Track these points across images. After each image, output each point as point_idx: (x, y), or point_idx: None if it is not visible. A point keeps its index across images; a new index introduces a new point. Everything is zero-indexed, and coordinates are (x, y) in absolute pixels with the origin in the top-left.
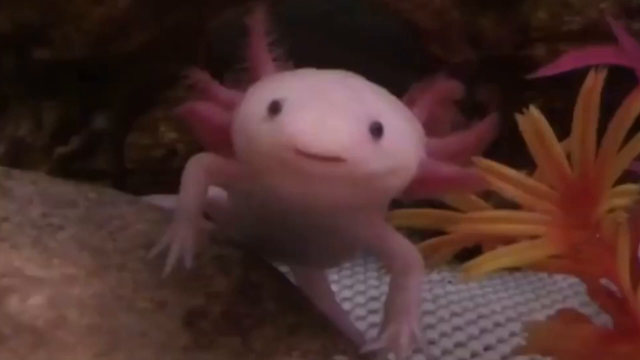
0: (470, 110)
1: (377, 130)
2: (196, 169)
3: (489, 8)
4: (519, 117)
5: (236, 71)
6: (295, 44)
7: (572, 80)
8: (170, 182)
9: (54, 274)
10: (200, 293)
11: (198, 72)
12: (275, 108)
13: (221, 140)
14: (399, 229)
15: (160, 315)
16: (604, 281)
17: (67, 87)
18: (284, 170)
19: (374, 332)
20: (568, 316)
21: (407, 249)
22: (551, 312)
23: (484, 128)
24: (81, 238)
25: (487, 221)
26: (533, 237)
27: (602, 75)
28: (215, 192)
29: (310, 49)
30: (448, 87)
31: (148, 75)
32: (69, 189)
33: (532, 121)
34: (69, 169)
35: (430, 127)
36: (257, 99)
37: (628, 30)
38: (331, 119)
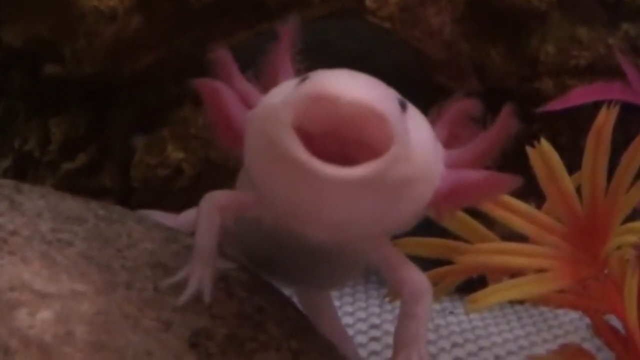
0: None
1: (403, 106)
2: (208, 208)
3: (498, 40)
4: (529, 150)
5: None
6: (303, 69)
7: (578, 115)
8: (174, 202)
9: (63, 289)
10: (205, 314)
11: (224, 52)
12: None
13: (229, 133)
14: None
15: (166, 334)
16: (606, 317)
17: (76, 103)
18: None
19: None
20: (571, 351)
21: (417, 277)
22: (552, 346)
23: (502, 122)
24: (89, 254)
25: (494, 253)
26: (540, 270)
27: (614, 111)
28: None
29: None
30: (465, 105)
31: (156, 94)
32: (78, 205)
33: (543, 154)
34: (74, 186)
35: (452, 147)
36: (279, 88)
37: (635, 66)
38: (361, 80)
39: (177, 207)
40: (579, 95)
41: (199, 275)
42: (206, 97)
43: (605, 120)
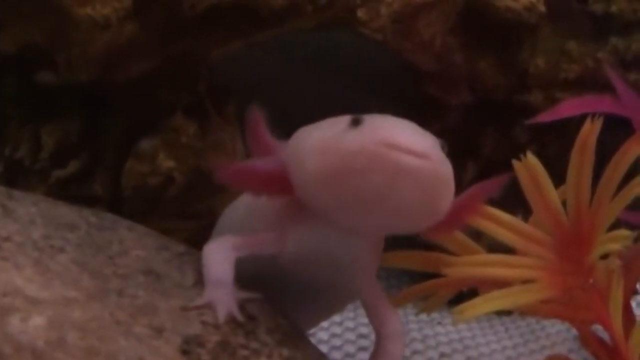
0: (463, 152)
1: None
2: (221, 246)
3: (489, 53)
4: (515, 163)
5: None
6: (294, 80)
7: (566, 127)
8: (165, 211)
9: (55, 295)
10: (196, 321)
11: (257, 112)
12: (356, 122)
13: (272, 183)
14: (392, 270)
15: (158, 341)
16: (593, 327)
17: (68, 111)
18: (374, 165)
19: None
20: None
21: (397, 318)
22: (539, 357)
23: (490, 186)
24: (81, 261)
25: (480, 265)
26: (527, 281)
27: (599, 123)
28: None
29: (308, 86)
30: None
31: (149, 102)
32: (70, 212)
33: (529, 167)
34: (65, 193)
35: None
36: (325, 124)
37: (624, 80)
38: (412, 129)
39: (168, 215)
40: (568, 107)
41: (226, 305)
42: (235, 178)
43: (590, 132)
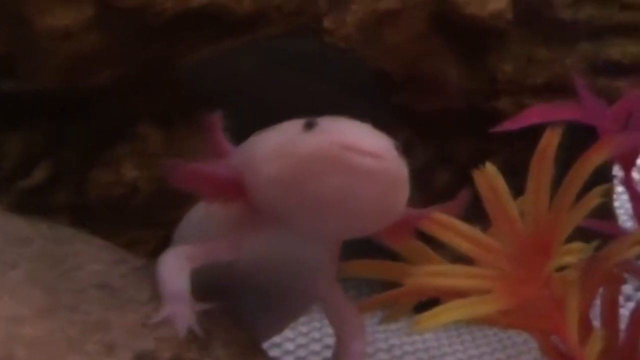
0: (435, 159)
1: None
2: (174, 257)
3: (458, 59)
4: (475, 173)
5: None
6: (264, 86)
7: (536, 134)
8: (131, 220)
9: (4, 312)
10: (149, 337)
11: (216, 117)
12: (310, 125)
13: (226, 188)
14: (350, 279)
15: (109, 358)
16: (555, 338)
17: (31, 120)
18: (329, 168)
19: None
20: None
21: (357, 315)
22: None
23: (452, 206)
24: (34, 276)
25: (437, 275)
26: (484, 291)
27: (558, 132)
28: None
29: (278, 92)
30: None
31: (114, 110)
32: (24, 225)
33: (488, 177)
34: (30, 203)
35: None
36: (279, 129)
37: (593, 86)
38: (366, 130)
39: (135, 225)
40: (533, 114)
41: (183, 318)
42: (188, 180)
43: (549, 141)
